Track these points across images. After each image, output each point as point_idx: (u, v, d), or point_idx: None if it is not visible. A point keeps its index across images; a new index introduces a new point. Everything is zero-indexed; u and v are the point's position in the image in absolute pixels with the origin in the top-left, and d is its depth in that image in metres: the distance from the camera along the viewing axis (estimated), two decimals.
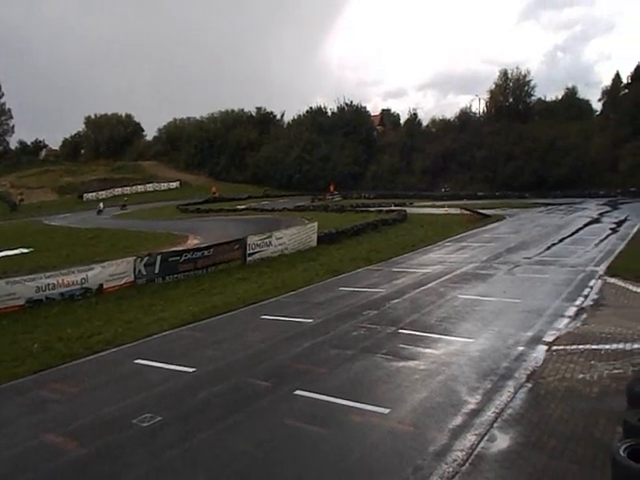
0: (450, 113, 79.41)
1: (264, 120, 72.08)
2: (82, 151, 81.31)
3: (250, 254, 18.54)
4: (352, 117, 64.80)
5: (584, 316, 10.08)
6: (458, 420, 6.15)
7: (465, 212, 30.00)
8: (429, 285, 13.46)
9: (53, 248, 22.72)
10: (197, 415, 6.68)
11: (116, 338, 10.11)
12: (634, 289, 11.86)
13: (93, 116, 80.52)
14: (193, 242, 23.38)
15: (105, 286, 14.38)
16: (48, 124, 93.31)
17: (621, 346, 8.05)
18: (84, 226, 32.94)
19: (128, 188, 61.16)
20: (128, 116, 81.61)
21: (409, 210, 33.86)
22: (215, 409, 6.83)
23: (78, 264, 15.03)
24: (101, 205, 48.41)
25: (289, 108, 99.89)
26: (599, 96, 54.91)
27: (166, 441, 6.02)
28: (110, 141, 77.19)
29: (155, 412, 6.69)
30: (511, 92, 59.63)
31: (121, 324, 11.11)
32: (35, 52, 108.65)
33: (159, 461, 5.61)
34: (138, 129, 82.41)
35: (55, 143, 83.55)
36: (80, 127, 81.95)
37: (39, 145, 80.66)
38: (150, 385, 7.69)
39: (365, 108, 68.10)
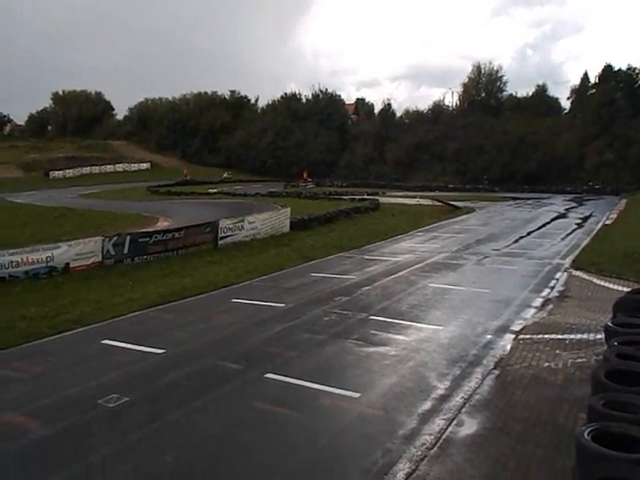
0: (423, 105, 79.62)
1: (238, 104, 70.98)
2: (49, 128, 78.68)
3: (222, 238, 18.31)
4: (327, 105, 64.43)
5: (550, 307, 10.31)
6: (427, 405, 6.22)
7: (436, 203, 30.30)
8: (400, 273, 13.56)
9: (17, 226, 21.99)
10: (165, 396, 6.59)
11: (83, 318, 9.85)
12: (597, 282, 12.17)
13: (61, 92, 77.84)
14: (163, 224, 22.98)
15: (72, 265, 14.00)
16: (13, 98, 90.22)
17: (585, 336, 8.26)
18: (50, 204, 32.03)
19: (97, 167, 59.57)
20: (98, 94, 79.16)
21: (381, 199, 33.97)
22: (184, 391, 6.75)
23: (44, 242, 14.59)
24: (226, 174, 52.33)
25: (262, 93, 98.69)
26: (568, 94, 55.84)
27: (133, 422, 5.92)
28: (79, 119, 74.78)
29: (122, 393, 6.56)
30: (483, 87, 60.25)
31: (88, 304, 10.84)
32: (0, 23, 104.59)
33: (125, 442, 5.51)
34: (108, 108, 79.99)
35: (20, 118, 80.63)
36: (47, 103, 79.28)
37: (3, 120, 77.59)
38: (117, 366, 7.54)
39: (340, 96, 67.89)
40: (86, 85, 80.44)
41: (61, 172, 56.10)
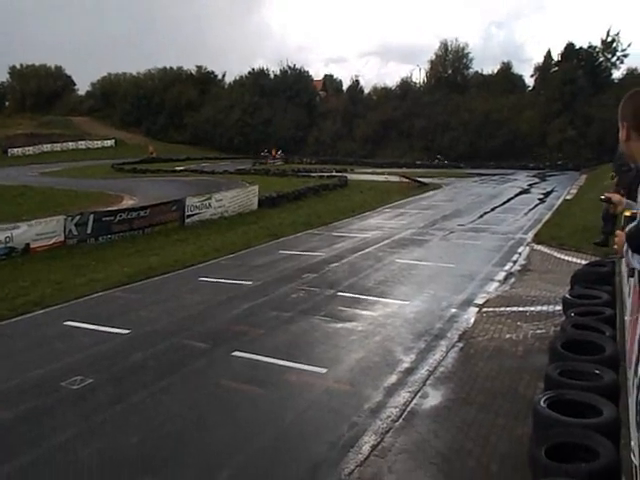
0: (391, 82, 79.35)
1: (204, 80, 69.49)
2: (6, 103, 75.79)
3: (189, 216, 18.11)
4: (295, 81, 63.72)
5: (512, 280, 10.55)
6: (393, 378, 6.32)
7: (404, 180, 30.47)
8: (368, 250, 13.65)
9: None
10: (130, 377, 6.52)
11: (44, 299, 9.62)
12: (558, 255, 12.50)
13: (19, 66, 74.95)
14: (128, 202, 22.56)
15: (32, 246, 13.62)
16: None
17: (545, 308, 8.50)
18: (9, 183, 30.97)
19: (58, 145, 57.75)
20: (58, 68, 76.38)
21: (350, 176, 33.99)
22: (149, 371, 6.69)
23: (2, 222, 14.13)
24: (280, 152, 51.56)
25: (229, 68, 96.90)
26: (531, 72, 56.53)
27: (97, 404, 5.85)
28: (38, 94, 72.07)
29: (86, 374, 6.47)
30: (450, 64, 60.50)
31: (49, 285, 10.59)
32: None
33: (89, 424, 5.44)
34: (69, 82, 77.42)
35: None
36: (4, 77, 76.21)
37: None
38: (81, 347, 7.42)
39: (308, 72, 67.17)
40: (45, 59, 77.21)
41: (20, 149, 54.27)
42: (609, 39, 50.42)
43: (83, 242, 14.77)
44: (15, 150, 53.84)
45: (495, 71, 58.71)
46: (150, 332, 8.01)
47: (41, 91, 72.45)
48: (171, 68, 71.15)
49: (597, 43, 51.08)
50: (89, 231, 15.01)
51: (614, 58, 50.82)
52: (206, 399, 6.03)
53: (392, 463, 4.69)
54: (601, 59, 51.00)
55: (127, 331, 7.99)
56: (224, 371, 6.70)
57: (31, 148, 55.21)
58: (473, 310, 8.71)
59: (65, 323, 8.45)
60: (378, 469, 4.61)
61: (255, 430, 5.36)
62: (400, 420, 5.38)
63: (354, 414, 5.53)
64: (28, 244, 13.56)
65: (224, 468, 4.74)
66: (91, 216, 15.22)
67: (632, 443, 3.20)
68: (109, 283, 10.74)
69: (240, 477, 4.64)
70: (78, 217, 14.94)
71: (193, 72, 70.69)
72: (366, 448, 4.92)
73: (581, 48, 51.14)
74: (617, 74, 51.17)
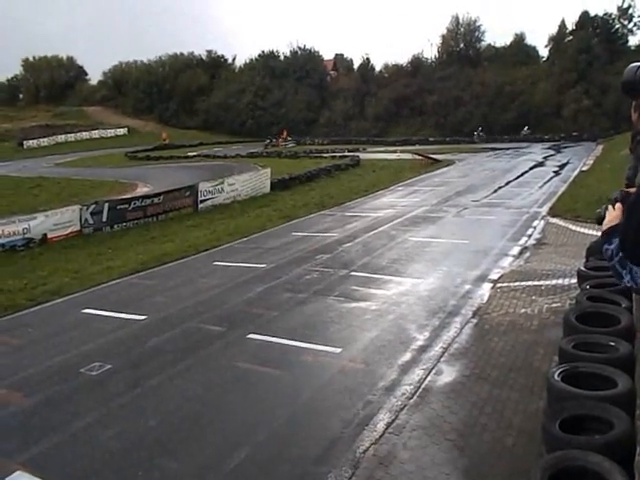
0: (403, 58, 78.02)
1: (215, 64, 69.20)
2: (20, 96, 76.39)
3: (202, 201, 18.21)
4: (305, 61, 63.06)
5: (527, 255, 10.45)
6: (407, 356, 6.33)
7: (417, 157, 30.17)
8: (381, 228, 13.60)
9: None
10: (148, 362, 6.62)
11: (62, 288, 9.80)
12: (573, 228, 12.33)
13: (32, 58, 75.30)
14: (142, 190, 22.70)
15: (49, 236, 13.84)
16: None
17: (560, 281, 8.40)
18: (25, 175, 31.34)
19: (72, 135, 58.16)
20: (70, 59, 76.65)
21: (362, 156, 33.74)
22: (166, 355, 6.79)
23: (19, 214, 14.36)
24: (478, 133, 45.34)
25: (239, 51, 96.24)
26: (545, 42, 55.11)
27: (116, 389, 5.96)
28: (51, 85, 72.57)
29: (104, 360, 6.59)
30: (462, 37, 59.27)
31: (67, 274, 10.77)
32: None
33: (109, 409, 5.55)
34: (81, 73, 77.67)
35: None
36: (17, 70, 76.70)
37: None
38: (99, 334, 7.55)
39: (318, 52, 66.34)
40: (57, 50, 77.51)
41: (35, 141, 54.76)
42: (625, 5, 49.02)
43: (99, 231, 14.96)
44: (30, 142, 54.34)
45: (508, 43, 57.46)
46: (166, 317, 8.11)
47: (54, 82, 72.84)
48: (182, 54, 70.97)
49: (613, 10, 49.73)
50: (104, 220, 15.19)
51: (630, 24, 49.44)
52: (223, 381, 6.09)
53: (407, 440, 4.71)
54: (617, 26, 49.60)
55: (144, 317, 8.10)
56: (240, 353, 6.76)
57: (46, 139, 55.68)
58: (487, 286, 8.66)
59: (83, 311, 8.60)
60: (393, 446, 4.63)
61: (271, 410, 5.41)
62: (415, 397, 5.39)
63: (369, 392, 5.56)
64: (45, 234, 13.77)
65: (241, 447, 4.80)
66: (106, 205, 15.39)
67: None
68: (125, 270, 10.88)
69: (257, 455, 4.70)
70: (93, 206, 15.12)
71: (203, 57, 70.45)
72: (381, 426, 4.95)
73: (596, 16, 49.75)
74: (634, 41, 49.84)
